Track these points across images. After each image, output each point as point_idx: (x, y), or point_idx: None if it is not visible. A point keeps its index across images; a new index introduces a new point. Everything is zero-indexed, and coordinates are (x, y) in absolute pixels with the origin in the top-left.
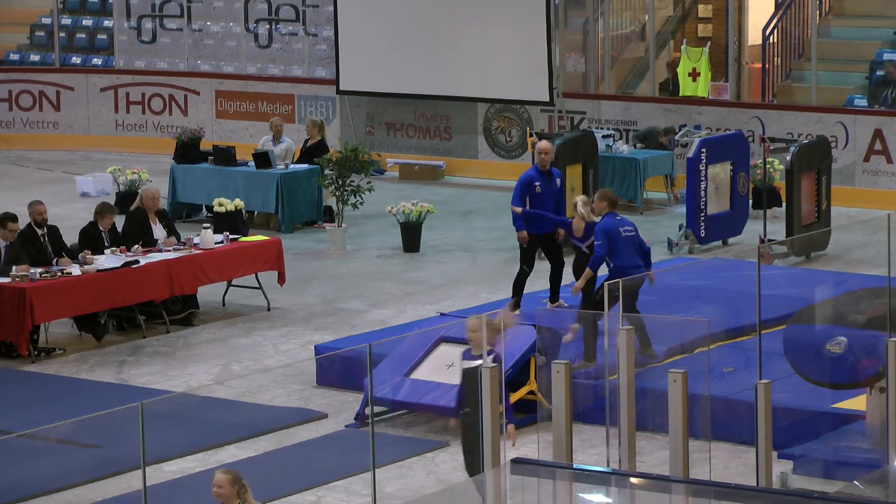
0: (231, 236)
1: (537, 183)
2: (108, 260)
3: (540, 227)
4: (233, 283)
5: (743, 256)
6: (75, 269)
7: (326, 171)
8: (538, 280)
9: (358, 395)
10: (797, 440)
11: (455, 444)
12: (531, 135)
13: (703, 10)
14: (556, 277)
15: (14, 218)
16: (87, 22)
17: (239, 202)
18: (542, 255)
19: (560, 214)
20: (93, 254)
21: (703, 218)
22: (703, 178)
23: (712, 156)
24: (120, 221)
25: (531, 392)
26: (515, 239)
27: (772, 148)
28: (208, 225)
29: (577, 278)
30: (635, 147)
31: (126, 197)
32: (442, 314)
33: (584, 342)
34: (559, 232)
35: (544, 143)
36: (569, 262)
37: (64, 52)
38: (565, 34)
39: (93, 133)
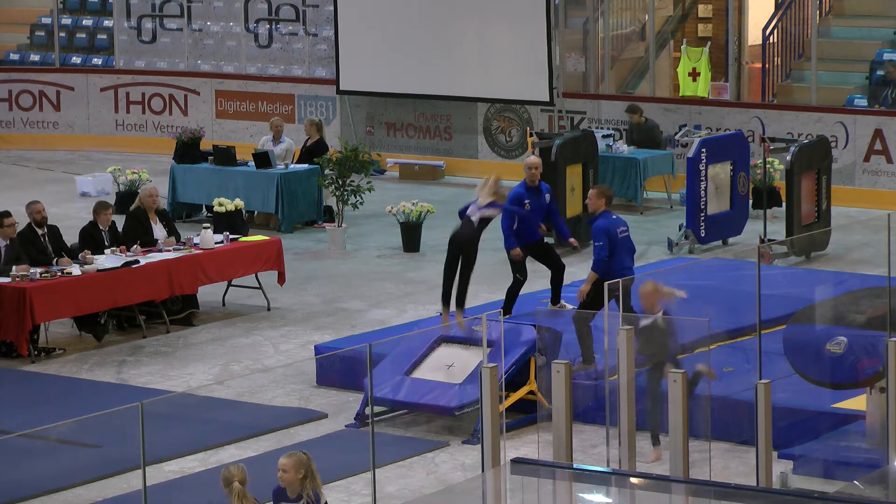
0: (231, 236)
1: (527, 200)
2: (108, 260)
3: (527, 237)
4: (233, 283)
5: (743, 256)
6: (75, 269)
7: (326, 171)
8: (538, 280)
9: (358, 395)
10: (797, 440)
11: (455, 443)
12: (531, 135)
13: (703, 10)
14: (557, 280)
15: (8, 214)
16: (87, 22)
17: (239, 202)
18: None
19: (557, 228)
20: (93, 254)
21: (703, 218)
22: (703, 178)
23: (712, 156)
24: (120, 221)
25: (531, 392)
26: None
27: (772, 148)
28: (208, 225)
29: None
30: (629, 146)
31: (126, 197)
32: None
33: (582, 345)
34: (541, 226)
35: (534, 159)
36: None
37: (64, 52)
38: (565, 34)
39: (93, 133)
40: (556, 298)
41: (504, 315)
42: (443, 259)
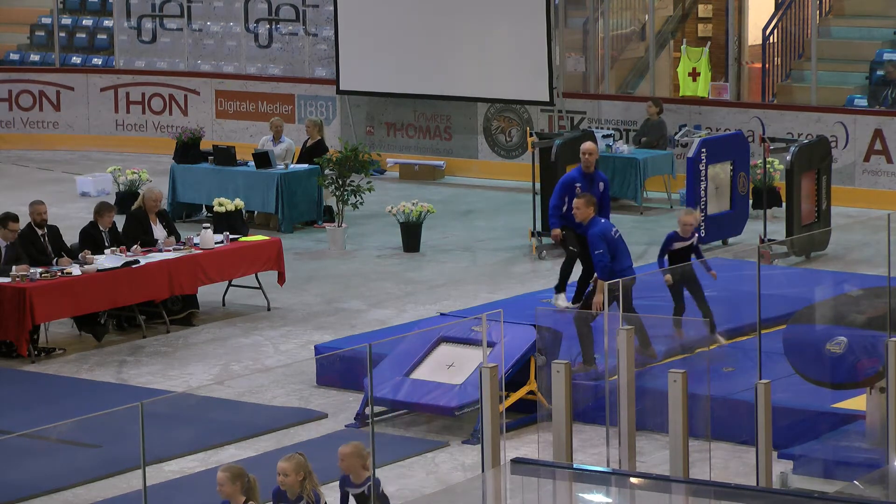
0: (231, 236)
1: (578, 184)
2: (108, 260)
3: (573, 218)
4: (233, 283)
5: (743, 256)
6: (75, 269)
7: (326, 171)
8: (538, 280)
9: (358, 395)
10: (797, 440)
11: (455, 443)
12: (531, 135)
13: (703, 10)
14: (585, 275)
15: (15, 218)
16: (87, 22)
17: (239, 202)
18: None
19: (605, 218)
20: (93, 254)
21: (703, 218)
22: (703, 178)
23: (712, 156)
24: (120, 221)
25: (531, 392)
26: (515, 239)
27: (772, 148)
28: (208, 225)
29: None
30: (638, 142)
31: (126, 197)
32: (442, 314)
33: (582, 345)
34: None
35: (589, 144)
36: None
37: (64, 52)
38: (565, 34)
39: (93, 133)
40: (578, 297)
41: (560, 291)
42: (443, 259)
